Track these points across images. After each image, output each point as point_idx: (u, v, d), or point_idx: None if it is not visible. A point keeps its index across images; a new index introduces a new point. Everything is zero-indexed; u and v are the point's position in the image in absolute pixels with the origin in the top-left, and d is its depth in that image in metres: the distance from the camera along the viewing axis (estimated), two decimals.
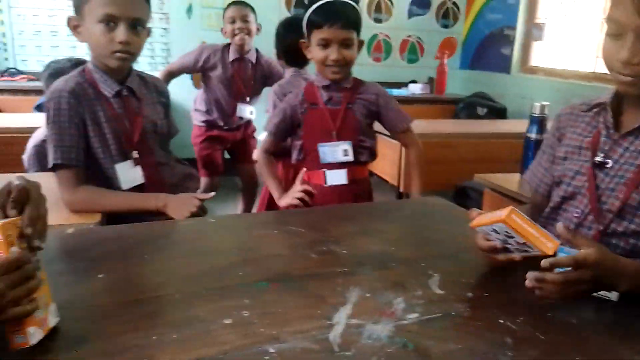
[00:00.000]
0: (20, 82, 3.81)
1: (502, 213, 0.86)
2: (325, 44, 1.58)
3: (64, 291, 0.85)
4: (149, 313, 0.80)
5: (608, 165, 1.01)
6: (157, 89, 1.58)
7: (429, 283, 0.94)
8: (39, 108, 3.29)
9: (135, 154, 1.44)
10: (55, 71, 1.93)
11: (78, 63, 1.95)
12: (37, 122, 2.40)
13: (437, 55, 4.92)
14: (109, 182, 1.42)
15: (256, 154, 1.92)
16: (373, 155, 1.75)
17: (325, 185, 1.67)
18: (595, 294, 0.88)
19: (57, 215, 1.30)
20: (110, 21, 1.32)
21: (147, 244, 1.07)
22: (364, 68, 4.66)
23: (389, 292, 0.90)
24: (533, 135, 1.86)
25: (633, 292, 0.86)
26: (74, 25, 1.39)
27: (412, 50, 4.93)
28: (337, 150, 1.66)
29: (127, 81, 1.44)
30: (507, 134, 2.91)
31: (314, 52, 1.62)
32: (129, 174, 1.42)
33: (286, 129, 1.72)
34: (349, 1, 1.61)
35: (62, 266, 0.96)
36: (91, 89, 1.40)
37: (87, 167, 1.40)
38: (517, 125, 3.01)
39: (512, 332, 0.79)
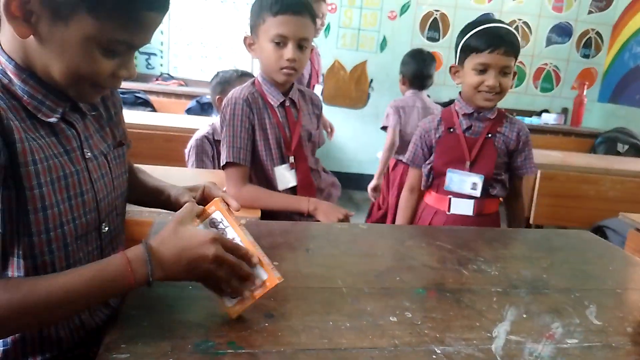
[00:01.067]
0: (172, 87, 4.25)
1: None
2: (482, 70, 1.56)
3: None
4: (322, 301, 0.90)
5: None
6: (312, 101, 1.72)
7: (586, 313, 0.94)
8: (189, 111, 3.67)
9: (292, 159, 1.58)
10: (223, 80, 2.17)
11: (244, 74, 2.17)
12: (191, 124, 2.70)
13: (574, 85, 4.69)
14: (268, 182, 1.57)
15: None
16: (505, 189, 1.70)
17: (448, 213, 1.65)
18: None
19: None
20: (280, 41, 1.47)
21: (308, 240, 1.18)
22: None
23: (546, 315, 0.92)
24: None
25: None
26: (250, 43, 1.56)
27: (547, 79, 4.75)
28: (467, 181, 1.63)
29: (289, 93, 1.59)
30: None
31: (468, 77, 1.60)
32: (285, 176, 1.57)
33: (425, 156, 1.73)
34: (513, 30, 1.60)
35: None
36: (260, 99, 1.57)
37: (251, 168, 1.56)
38: None
39: None
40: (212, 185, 0.98)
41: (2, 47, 0.78)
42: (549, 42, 4.69)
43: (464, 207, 1.64)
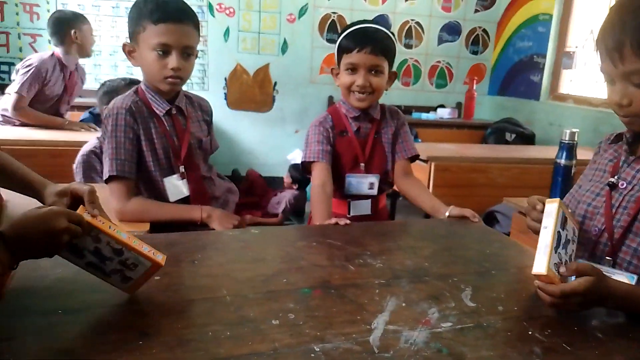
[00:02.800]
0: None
1: None
2: (353, 69, 1.57)
3: (123, 291, 0.93)
4: (202, 312, 0.88)
5: (622, 187, 1.07)
6: (201, 107, 1.68)
7: (461, 296, 0.99)
8: (83, 122, 3.47)
9: (182, 169, 1.54)
10: (110, 89, 2.07)
11: (132, 82, 2.08)
12: (79, 138, 2.56)
13: (466, 80, 4.98)
14: (158, 194, 1.51)
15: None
16: (392, 184, 1.74)
17: (348, 216, 1.65)
18: None
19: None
20: (163, 50, 1.42)
21: (196, 251, 1.15)
22: (393, 92, 4.75)
23: (424, 302, 0.96)
24: (562, 162, 1.91)
25: (621, 309, 0.96)
26: (129, 51, 1.50)
27: (441, 76, 5.00)
28: (364, 183, 1.64)
29: (175, 101, 1.55)
30: (536, 160, 2.95)
31: (342, 78, 1.60)
32: (176, 187, 1.52)
33: (331, 153, 1.65)
34: (383, 29, 1.60)
35: None
36: (145, 107, 1.51)
37: (138, 180, 1.50)
38: (545, 152, 3.05)
39: (541, 343, 0.84)
40: (78, 186, 0.98)
41: None
42: (441, 40, 4.94)
43: (362, 208, 1.67)
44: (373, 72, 1.57)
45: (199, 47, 4.40)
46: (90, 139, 2.21)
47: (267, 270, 1.07)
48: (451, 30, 4.93)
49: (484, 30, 5.02)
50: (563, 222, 0.99)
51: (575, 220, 1.04)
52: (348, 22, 4.74)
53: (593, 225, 1.11)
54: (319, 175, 1.59)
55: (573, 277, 0.93)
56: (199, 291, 0.96)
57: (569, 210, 1.03)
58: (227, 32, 4.48)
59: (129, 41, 1.51)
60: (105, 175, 1.45)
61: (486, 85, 5.09)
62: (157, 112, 1.52)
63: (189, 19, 1.46)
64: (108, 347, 0.76)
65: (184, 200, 1.54)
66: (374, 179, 1.65)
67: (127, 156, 1.46)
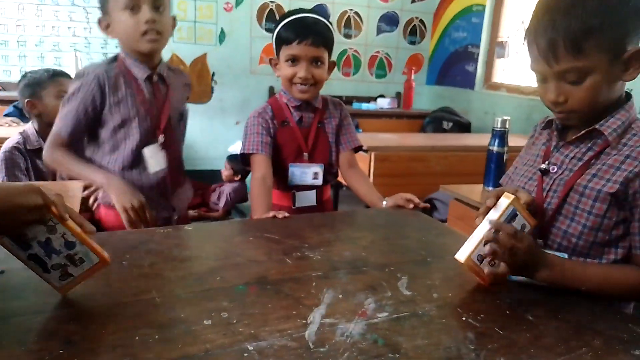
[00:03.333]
0: None
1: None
2: (293, 61, 1.54)
3: (48, 297, 0.87)
4: (131, 315, 0.84)
5: (552, 171, 1.11)
6: (184, 81, 1.67)
7: (398, 285, 1.00)
8: (8, 116, 3.26)
9: (161, 138, 1.52)
10: (32, 81, 1.95)
11: (56, 74, 1.97)
12: (7, 132, 2.40)
13: (405, 71, 5.06)
14: (139, 165, 1.51)
15: None
16: (337, 174, 1.74)
17: (293, 208, 1.63)
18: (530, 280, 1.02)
19: None
20: (133, 6, 1.40)
21: (125, 252, 1.09)
22: (334, 82, 4.76)
23: (361, 293, 0.95)
24: (495, 148, 1.97)
25: (551, 283, 1.01)
26: (106, 25, 1.47)
27: (381, 66, 5.06)
28: (308, 173, 1.63)
29: (157, 68, 1.52)
30: (472, 147, 3.03)
31: (283, 69, 1.57)
32: (156, 157, 1.51)
33: (268, 143, 1.60)
34: (322, 19, 1.58)
35: None
36: (122, 76, 1.48)
37: (79, 140, 1.51)
38: (481, 139, 3.14)
39: (474, 328, 0.85)
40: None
41: None
42: (380, 30, 4.99)
43: (307, 199, 1.64)
44: (314, 63, 1.55)
45: None
46: (12, 134, 2.07)
47: (200, 269, 1.03)
48: (389, 20, 4.99)
49: (421, 21, 5.10)
50: (510, 218, 1.01)
51: (532, 218, 1.04)
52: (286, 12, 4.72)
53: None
54: (259, 168, 1.56)
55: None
56: (129, 294, 0.91)
57: (526, 208, 1.03)
58: None
59: (101, 16, 1.48)
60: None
61: (424, 75, 5.19)
62: (138, 76, 1.49)
63: None
64: (29, 358, 0.71)
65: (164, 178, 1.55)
66: (318, 168, 1.63)
67: (73, 121, 1.46)
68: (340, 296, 0.94)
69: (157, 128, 1.52)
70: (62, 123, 1.47)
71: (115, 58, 1.51)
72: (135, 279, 0.97)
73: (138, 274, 1.00)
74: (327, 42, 1.56)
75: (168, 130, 1.54)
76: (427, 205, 1.59)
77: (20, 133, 1.99)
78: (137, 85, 1.49)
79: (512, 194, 1.02)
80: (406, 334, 0.83)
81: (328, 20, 1.61)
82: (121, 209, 1.39)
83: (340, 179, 1.80)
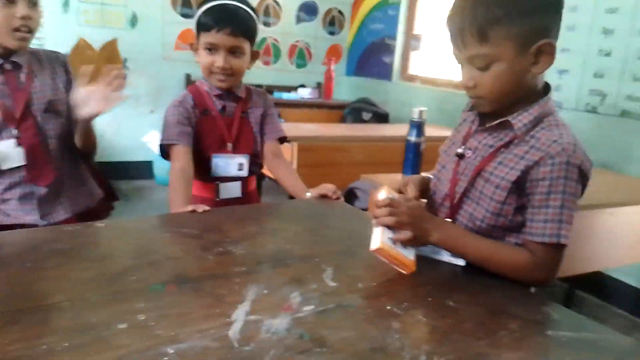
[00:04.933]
0: None
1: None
2: (212, 49, 1.48)
3: None
4: (36, 322, 0.76)
5: (467, 155, 1.15)
6: (55, 61, 1.51)
7: (323, 277, 0.99)
8: None
9: (16, 132, 1.37)
10: None
11: None
12: None
13: (325, 61, 5.07)
14: None
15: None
16: (261, 165, 1.70)
17: (217, 200, 1.57)
18: (446, 261, 1.10)
19: None
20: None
21: (29, 252, 1.00)
22: (254, 71, 4.67)
23: (286, 287, 0.93)
24: (413, 139, 2.01)
25: (444, 244, 1.07)
26: None
27: (301, 56, 5.04)
28: (232, 164, 1.57)
29: (10, 56, 1.37)
30: (391, 138, 3.10)
31: (201, 57, 1.51)
32: (4, 153, 1.35)
33: (188, 133, 1.53)
34: (244, 7, 1.51)
35: None
36: None
37: None
38: (399, 130, 3.21)
39: (398, 317, 0.86)
40: None
41: None
42: (299, 20, 4.96)
43: (232, 190, 1.58)
44: (233, 53, 1.49)
45: None
46: None
47: (113, 268, 0.96)
48: (309, 9, 4.97)
49: (340, 12, 5.14)
50: None
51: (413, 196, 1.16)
52: None
53: (439, 190, 1.19)
54: (178, 159, 1.48)
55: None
56: (31, 299, 0.83)
57: (397, 192, 1.15)
58: (66, 3, 4.03)
59: None
60: None
61: (343, 66, 5.24)
62: None
63: None
64: None
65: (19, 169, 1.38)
66: (242, 159, 1.58)
67: None
68: (265, 291, 0.91)
69: (9, 121, 1.37)
70: None
71: None
72: (38, 282, 0.89)
73: (41, 277, 0.91)
74: (248, 31, 1.50)
75: (26, 122, 1.39)
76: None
77: None
78: None
79: (403, 185, 1.17)
80: (331, 326, 0.82)
81: (251, 8, 1.54)
82: None
83: (264, 170, 1.76)
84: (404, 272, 1.02)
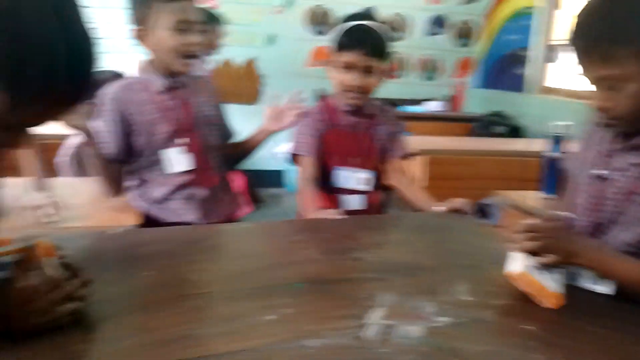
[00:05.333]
0: None
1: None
2: (347, 68, 1.52)
3: (120, 285, 0.92)
4: (197, 307, 0.86)
5: (606, 177, 1.07)
6: (206, 85, 1.68)
7: (456, 290, 0.99)
8: None
9: (183, 141, 1.54)
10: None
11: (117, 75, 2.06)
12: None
13: (454, 73, 4.99)
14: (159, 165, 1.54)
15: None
16: (384, 181, 1.70)
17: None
18: (592, 289, 1.00)
19: (98, 218, 1.38)
20: (182, 28, 1.44)
21: (188, 246, 1.13)
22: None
23: (419, 297, 0.95)
24: (553, 154, 1.91)
25: (594, 267, 0.98)
26: (141, 35, 1.48)
27: (429, 68, 5.00)
28: (356, 178, 1.60)
29: (177, 76, 1.55)
30: (524, 153, 2.96)
31: (335, 74, 1.56)
32: (175, 158, 1.53)
33: (315, 145, 1.61)
34: (382, 27, 1.56)
35: (111, 264, 1.03)
36: (140, 85, 1.52)
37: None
38: (532, 144, 3.07)
39: (536, 337, 0.84)
40: None
41: None
42: (428, 33, 4.94)
43: (354, 203, 1.62)
44: (368, 72, 1.53)
45: None
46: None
47: (259, 265, 1.05)
48: (439, 22, 4.93)
49: (471, 23, 5.02)
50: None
51: None
52: (337, 15, 4.77)
53: (583, 216, 1.12)
54: (306, 169, 1.58)
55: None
56: (193, 287, 0.94)
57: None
58: None
59: (137, 25, 1.48)
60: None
61: (474, 78, 5.11)
62: (156, 86, 1.53)
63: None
64: (103, 346, 0.74)
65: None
66: (366, 174, 1.62)
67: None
68: (398, 298, 0.94)
69: (181, 130, 1.54)
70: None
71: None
72: (196, 273, 1.00)
73: (198, 269, 1.02)
74: (383, 52, 1.55)
75: (194, 132, 1.56)
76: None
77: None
78: (157, 95, 1.53)
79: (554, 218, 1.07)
80: (467, 339, 0.82)
81: (387, 29, 1.57)
82: None
83: (388, 184, 1.77)
84: (547, 305, 0.94)
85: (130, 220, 1.39)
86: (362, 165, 1.62)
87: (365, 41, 1.50)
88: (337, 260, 1.10)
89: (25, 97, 0.65)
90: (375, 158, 1.65)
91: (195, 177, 1.55)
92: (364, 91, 1.55)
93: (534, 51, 4.34)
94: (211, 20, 2.92)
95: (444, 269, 1.09)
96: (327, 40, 1.66)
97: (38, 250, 0.78)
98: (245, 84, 4.61)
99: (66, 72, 0.67)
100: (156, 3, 1.42)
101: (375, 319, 0.86)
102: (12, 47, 0.61)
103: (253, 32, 4.52)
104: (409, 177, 1.75)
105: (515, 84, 4.51)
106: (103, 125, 1.48)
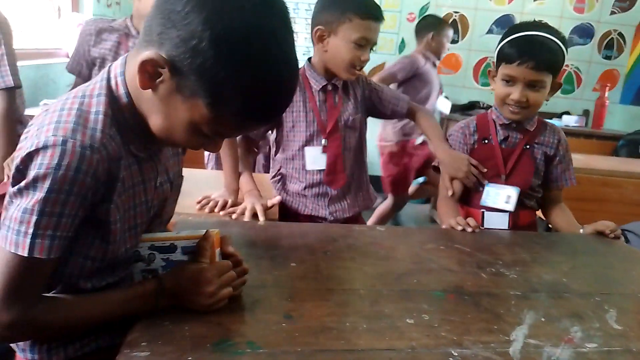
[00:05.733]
0: None
1: None
2: (509, 81, 1.45)
3: (267, 273, 0.99)
4: (340, 302, 0.91)
5: None
6: (357, 85, 1.70)
7: (606, 317, 0.94)
8: None
9: (324, 142, 1.61)
10: None
11: None
12: None
13: (596, 87, 4.62)
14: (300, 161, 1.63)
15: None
16: (538, 202, 1.61)
17: (482, 228, 1.50)
18: None
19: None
20: (362, 44, 1.50)
21: (326, 242, 1.19)
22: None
23: (566, 319, 0.91)
24: None
25: None
26: (323, 38, 1.54)
27: (568, 81, 4.69)
28: (501, 194, 1.53)
29: (333, 80, 1.62)
30: None
31: (497, 86, 1.49)
32: (314, 157, 1.61)
33: None
34: (553, 38, 1.42)
35: (260, 252, 1.11)
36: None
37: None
38: None
39: None
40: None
41: (125, 78, 0.81)
42: (571, 43, 4.62)
43: (498, 221, 1.55)
44: (533, 87, 1.44)
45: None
46: None
47: (397, 269, 1.07)
48: (583, 32, 4.60)
49: (620, 34, 4.62)
50: None
51: None
52: (471, 22, 4.65)
53: None
54: (446, 182, 1.58)
55: None
56: (335, 282, 0.99)
57: None
58: None
59: (323, 28, 1.54)
60: None
61: (619, 93, 4.69)
62: (313, 86, 1.62)
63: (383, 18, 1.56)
64: (256, 325, 0.81)
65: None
66: (512, 191, 1.51)
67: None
68: (543, 319, 0.91)
69: (322, 132, 1.61)
70: None
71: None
72: (339, 270, 1.05)
73: (340, 265, 1.07)
74: (551, 66, 1.43)
75: (332, 135, 1.62)
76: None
77: None
78: (310, 94, 1.61)
79: None
80: None
81: (561, 38, 1.45)
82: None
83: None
84: None
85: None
86: (510, 182, 1.54)
87: (534, 54, 1.40)
88: (475, 273, 1.09)
89: (223, 113, 0.74)
90: (526, 176, 1.54)
91: (328, 177, 1.62)
92: (526, 106, 1.46)
93: None
94: None
95: (592, 294, 1.03)
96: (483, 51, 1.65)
97: (211, 239, 0.87)
98: None
99: (280, 98, 0.77)
100: (350, 15, 1.48)
101: (519, 337, 0.84)
102: (242, 71, 0.70)
103: (385, 39, 4.56)
104: (564, 206, 1.62)
105: None
106: None
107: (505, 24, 4.46)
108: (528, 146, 1.54)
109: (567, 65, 4.65)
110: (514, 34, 1.45)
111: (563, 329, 0.88)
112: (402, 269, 1.07)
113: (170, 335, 0.76)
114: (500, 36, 1.53)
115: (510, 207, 1.51)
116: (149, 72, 0.74)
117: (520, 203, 1.53)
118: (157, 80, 0.74)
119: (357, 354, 0.76)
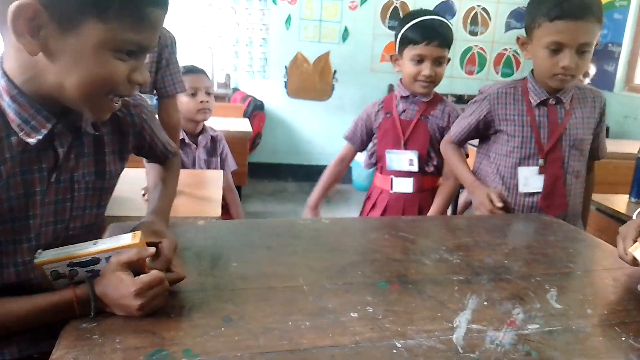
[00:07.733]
0: None
1: None
2: (419, 60, 1.70)
3: (207, 275, 0.95)
4: (283, 300, 0.88)
5: None
6: (594, 101, 1.59)
7: (547, 297, 0.95)
8: None
9: (541, 162, 1.50)
10: None
11: (187, 70, 2.12)
12: None
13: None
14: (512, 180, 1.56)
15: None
16: (438, 167, 1.82)
17: (391, 192, 1.80)
18: None
19: (185, 208, 1.44)
20: (557, 49, 1.39)
21: (269, 238, 1.15)
22: (457, 80, 4.63)
23: (508, 302, 0.92)
24: None
25: None
26: (523, 43, 1.52)
27: (508, 64, 4.82)
28: (403, 159, 1.77)
29: (557, 92, 1.50)
30: (614, 155, 2.77)
31: (406, 67, 1.73)
32: (529, 178, 1.52)
33: (362, 137, 1.90)
34: (445, 21, 1.73)
35: (199, 253, 1.06)
36: (517, 96, 1.53)
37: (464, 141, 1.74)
38: (621, 146, 2.89)
39: (636, 350, 0.79)
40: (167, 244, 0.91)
41: (2, 66, 0.77)
42: (508, 27, 4.75)
43: (404, 186, 1.79)
44: (437, 62, 1.71)
45: (257, 34, 4.47)
46: None
47: (342, 261, 1.05)
48: (520, 16, 4.73)
49: None
50: None
51: None
52: (411, 9, 4.68)
53: None
54: (343, 154, 1.98)
55: None
56: (278, 279, 0.96)
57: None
58: (288, 20, 4.48)
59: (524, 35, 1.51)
60: None
61: None
62: (532, 100, 1.51)
63: (590, 14, 1.39)
64: (193, 331, 0.77)
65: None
66: (412, 155, 1.76)
67: (464, 129, 1.66)
68: (485, 303, 0.91)
69: (540, 150, 1.50)
70: (457, 126, 1.64)
71: (522, 78, 1.57)
72: (282, 266, 1.02)
73: (284, 261, 1.04)
74: (450, 43, 1.72)
75: (552, 155, 1.50)
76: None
77: None
78: (528, 107, 1.51)
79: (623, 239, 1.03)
80: (561, 349, 0.79)
81: (449, 21, 1.77)
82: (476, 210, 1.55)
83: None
84: None
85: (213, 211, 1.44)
86: (408, 148, 1.77)
87: (436, 34, 1.67)
88: (419, 261, 1.08)
89: (113, 13, 0.73)
90: (422, 142, 1.77)
91: (545, 201, 1.51)
92: (434, 80, 1.72)
93: (625, 47, 4.08)
94: None
95: (533, 274, 1.05)
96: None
97: (140, 244, 0.82)
98: (318, 80, 4.64)
99: None
100: (540, 20, 1.40)
101: (462, 323, 0.84)
102: None
103: (328, 28, 4.54)
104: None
105: (604, 82, 4.24)
106: (465, 113, 1.61)
107: (446, 10, 4.53)
108: (422, 117, 1.79)
109: (505, 49, 4.78)
110: (413, 20, 1.70)
111: (505, 311, 0.89)
112: (346, 261, 1.06)
113: (99, 349, 0.71)
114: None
115: (414, 168, 1.77)
116: (28, 27, 0.70)
117: (421, 168, 1.78)
118: (40, 32, 0.71)
119: (300, 353, 0.74)
